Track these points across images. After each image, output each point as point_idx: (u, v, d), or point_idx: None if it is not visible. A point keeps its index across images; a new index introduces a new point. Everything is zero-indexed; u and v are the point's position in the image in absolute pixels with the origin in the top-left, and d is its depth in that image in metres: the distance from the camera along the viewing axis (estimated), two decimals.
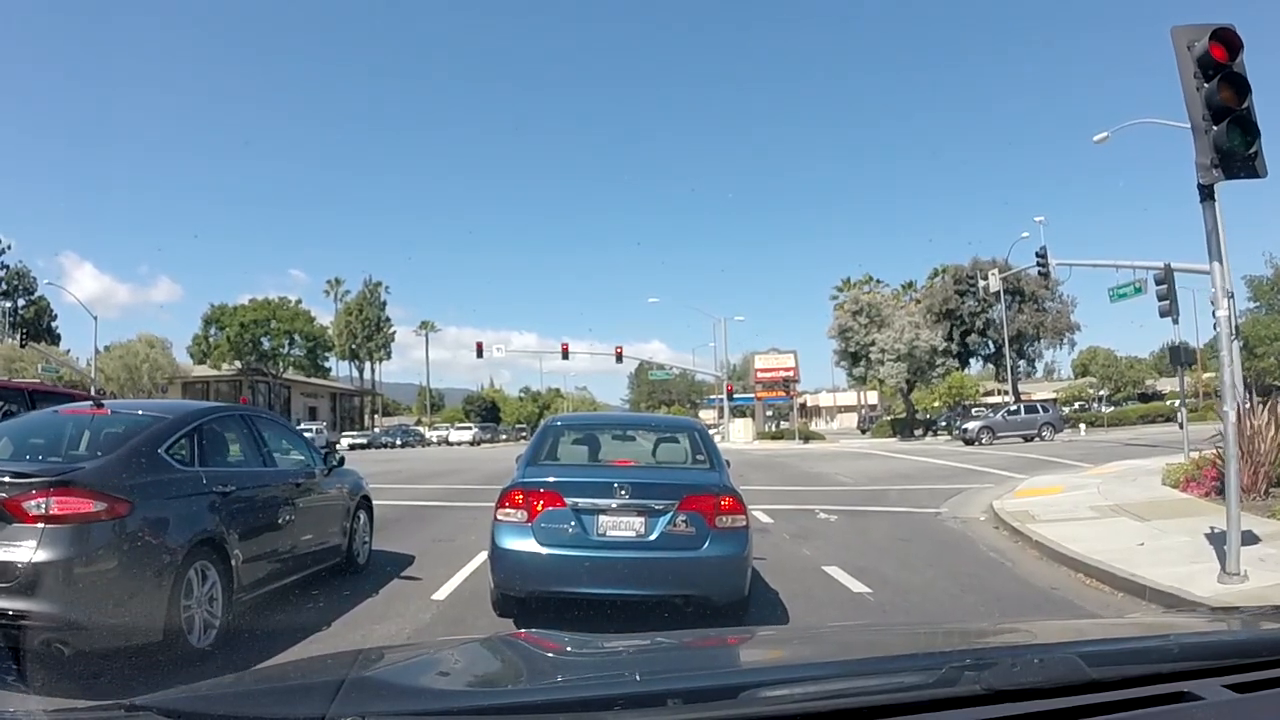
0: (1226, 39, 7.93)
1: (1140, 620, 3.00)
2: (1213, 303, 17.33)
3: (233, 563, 5.64)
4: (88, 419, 5.91)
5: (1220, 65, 7.90)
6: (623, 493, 6.09)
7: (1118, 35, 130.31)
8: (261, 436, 6.85)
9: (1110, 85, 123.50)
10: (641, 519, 6.07)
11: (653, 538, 6.04)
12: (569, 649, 2.29)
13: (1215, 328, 8.45)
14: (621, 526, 6.08)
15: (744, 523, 6.24)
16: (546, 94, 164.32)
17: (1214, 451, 13.80)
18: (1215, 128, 7.91)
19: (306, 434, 42.07)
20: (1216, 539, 9.51)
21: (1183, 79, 8.28)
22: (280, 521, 6.56)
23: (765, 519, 12.35)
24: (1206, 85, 7.96)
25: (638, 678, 1.79)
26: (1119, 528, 10.80)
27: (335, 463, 7.97)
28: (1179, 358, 21.37)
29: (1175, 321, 21.63)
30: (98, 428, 5.79)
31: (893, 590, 7.85)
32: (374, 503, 9.48)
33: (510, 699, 1.65)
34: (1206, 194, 8.34)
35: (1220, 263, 8.47)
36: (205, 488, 5.61)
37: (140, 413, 6.08)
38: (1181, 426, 21.04)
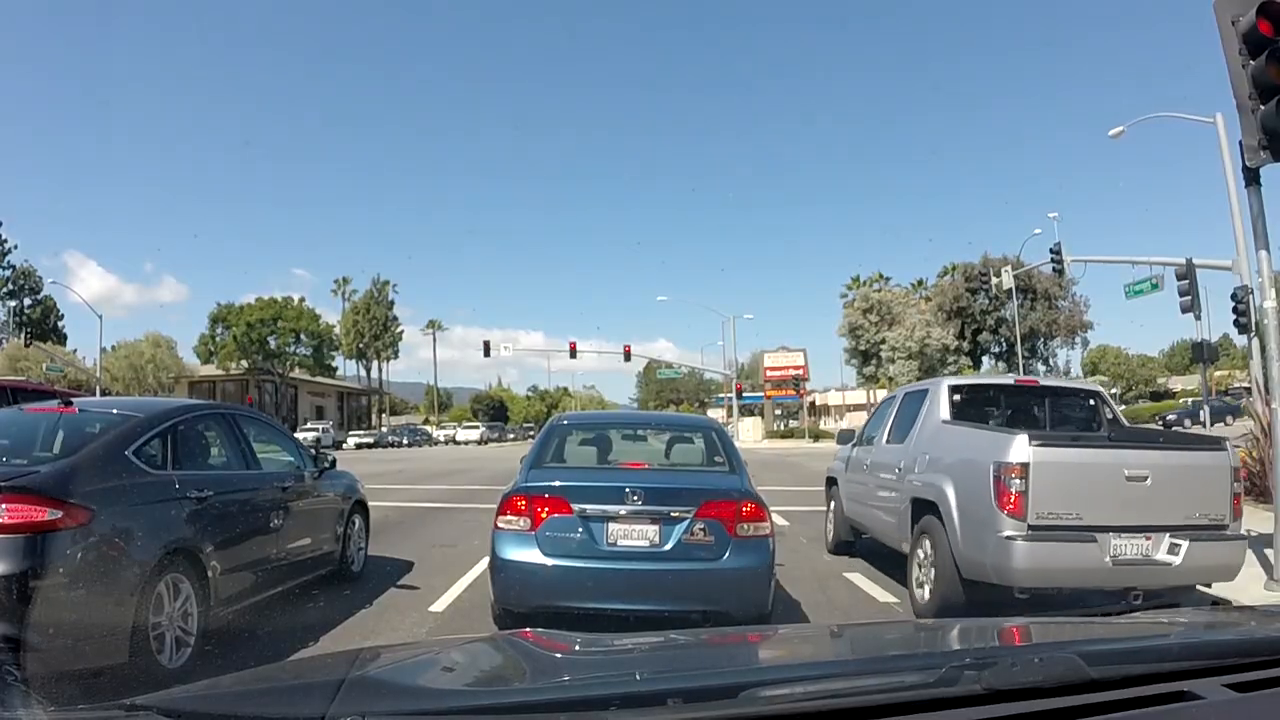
0: (1274, 13, 7.45)
1: (1140, 620, 2.91)
2: (1238, 294, 16.91)
3: (209, 574, 5.18)
4: (55, 418, 5.45)
5: (1268, 40, 7.44)
6: (635, 498, 5.60)
7: (1120, 34, 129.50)
8: (244, 437, 6.38)
9: (1112, 83, 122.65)
10: (655, 527, 5.59)
11: (668, 547, 5.56)
12: (570, 648, 2.23)
13: (1263, 320, 7.96)
14: (634, 535, 5.59)
15: (767, 531, 5.75)
16: (547, 93, 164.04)
17: (1242, 451, 13.38)
18: (1263, 107, 7.46)
19: (312, 433, 41.82)
20: (1255, 543, 9.07)
21: (1226, 55, 7.83)
22: (264, 528, 6.10)
23: (781, 521, 11.81)
24: (1253, 62, 7.51)
25: (638, 677, 1.76)
26: None
27: (326, 464, 7.51)
28: (1202, 355, 20.87)
29: (1198, 318, 21.22)
30: (64, 427, 5.35)
31: None
32: (373, 505, 9.13)
33: (510, 698, 1.63)
34: (1252, 177, 7.89)
35: (1266, 251, 7.98)
36: (179, 493, 5.15)
37: (114, 412, 5.63)
38: (1204, 425, 20.60)
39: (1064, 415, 8.73)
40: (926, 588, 6.97)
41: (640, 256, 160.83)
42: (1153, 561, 6.19)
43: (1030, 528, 6.00)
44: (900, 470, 7.91)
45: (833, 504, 10.34)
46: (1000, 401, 8.79)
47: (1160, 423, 42.48)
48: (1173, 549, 6.18)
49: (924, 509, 7.17)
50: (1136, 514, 6.17)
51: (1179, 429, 35.51)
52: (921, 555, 7.11)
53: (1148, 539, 6.18)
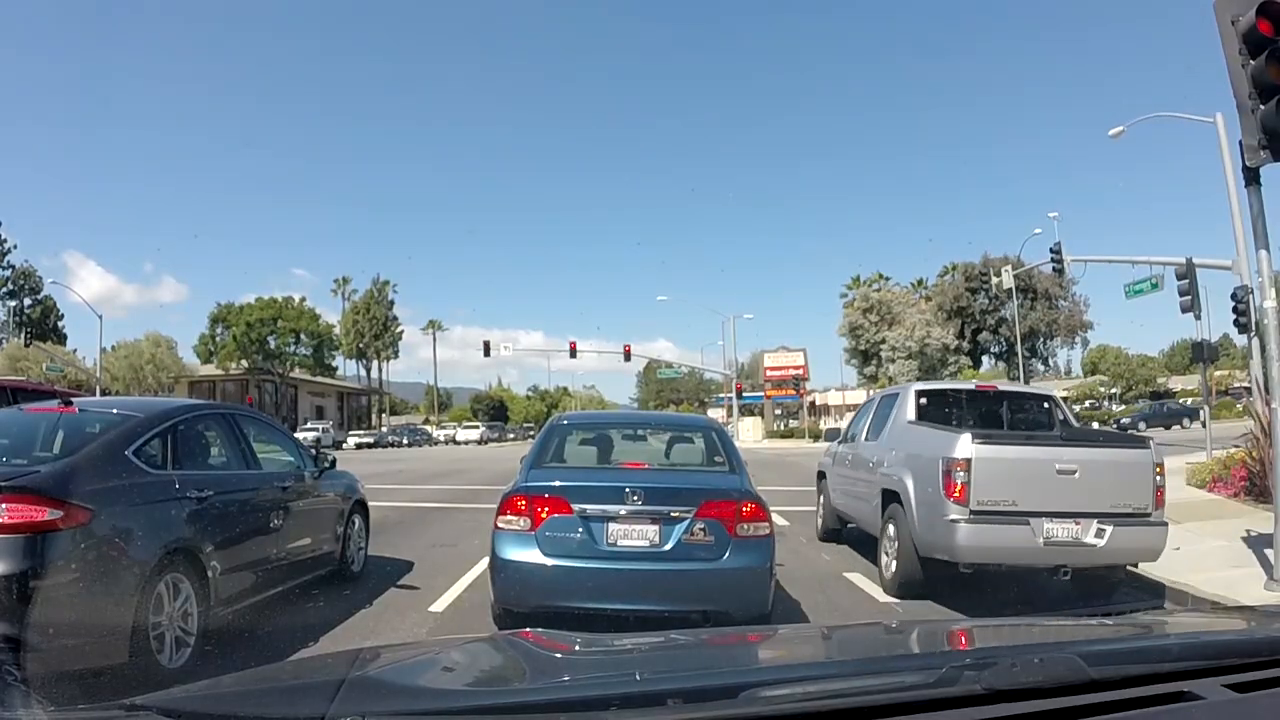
0: (1274, 13, 7.45)
1: (1140, 620, 2.98)
2: (1238, 294, 16.90)
3: (209, 574, 5.18)
4: (55, 418, 5.46)
5: (1268, 40, 7.43)
6: (635, 498, 5.60)
7: (1120, 33, 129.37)
8: (244, 436, 6.38)
9: (1112, 83, 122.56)
10: (655, 527, 5.60)
11: (668, 547, 5.57)
12: (570, 648, 2.23)
13: (1263, 320, 7.97)
14: (634, 535, 5.60)
15: (767, 531, 5.76)
16: (547, 92, 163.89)
17: (1242, 451, 13.38)
18: (1263, 106, 7.45)
19: (312, 433, 41.69)
20: (1255, 543, 9.09)
21: (1226, 55, 7.82)
22: (264, 528, 6.11)
23: (782, 521, 11.81)
24: (1253, 62, 7.51)
25: (638, 677, 1.75)
26: None
27: (326, 464, 7.51)
28: (1202, 355, 20.85)
29: (1198, 318, 21.20)
30: (64, 427, 5.35)
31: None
32: (373, 505, 9.12)
33: (511, 698, 1.63)
34: (1252, 177, 7.88)
35: (1266, 251, 7.98)
36: (179, 493, 5.15)
37: (114, 412, 5.64)
38: (1204, 425, 20.61)
39: (1022, 417, 9.61)
40: (892, 565, 7.86)
41: (640, 256, 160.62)
42: (1080, 543, 7.00)
43: (972, 512, 6.92)
44: (874, 464, 8.83)
45: (822, 496, 11.34)
46: (964, 404, 9.66)
47: (1115, 426, 43.46)
48: (1099, 533, 7.00)
49: (891, 498, 8.11)
50: (1066, 502, 7.01)
51: (1132, 432, 36.13)
52: (890, 534, 7.99)
53: (1077, 524, 6.99)
